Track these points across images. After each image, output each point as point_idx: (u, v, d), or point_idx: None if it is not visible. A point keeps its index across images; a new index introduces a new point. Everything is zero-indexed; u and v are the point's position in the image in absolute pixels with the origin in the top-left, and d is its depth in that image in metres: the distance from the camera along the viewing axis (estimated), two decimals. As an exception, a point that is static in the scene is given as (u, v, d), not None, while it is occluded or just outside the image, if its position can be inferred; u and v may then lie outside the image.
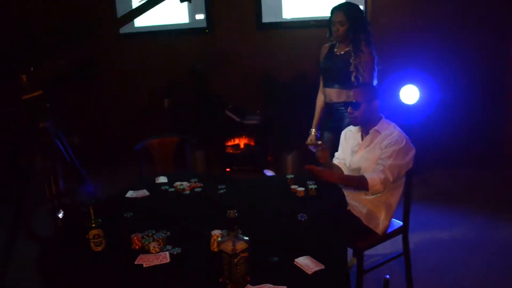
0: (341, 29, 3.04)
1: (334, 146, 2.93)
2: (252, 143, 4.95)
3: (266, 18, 4.78)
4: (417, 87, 4.32)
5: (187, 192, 2.47)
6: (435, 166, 4.50)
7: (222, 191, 2.46)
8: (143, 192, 2.50)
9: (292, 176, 2.51)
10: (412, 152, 2.51)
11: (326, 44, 3.25)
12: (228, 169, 4.93)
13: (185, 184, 2.55)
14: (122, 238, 1.90)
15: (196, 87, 4.87)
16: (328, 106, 3.20)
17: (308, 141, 3.17)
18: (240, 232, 1.81)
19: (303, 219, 2.01)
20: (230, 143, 4.97)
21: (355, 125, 2.63)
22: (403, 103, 4.34)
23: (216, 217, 2.08)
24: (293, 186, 2.39)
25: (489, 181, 4.37)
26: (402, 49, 4.42)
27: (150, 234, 1.90)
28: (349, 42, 3.06)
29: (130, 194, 2.48)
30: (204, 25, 4.92)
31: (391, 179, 2.42)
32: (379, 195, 2.52)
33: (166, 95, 4.99)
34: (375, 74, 3.02)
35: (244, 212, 2.13)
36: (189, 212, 2.26)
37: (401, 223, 2.68)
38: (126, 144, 3.62)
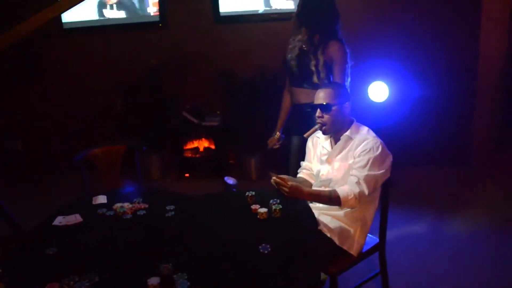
0: None
1: (302, 152, 2.55)
2: (213, 146, 4.55)
3: (225, 9, 4.34)
4: (387, 83, 4.01)
5: (128, 216, 2.05)
6: (404, 166, 4.22)
7: (170, 213, 2.05)
8: (75, 218, 2.06)
9: (253, 193, 2.13)
10: (389, 159, 2.19)
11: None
12: (187, 175, 4.53)
13: (127, 205, 2.14)
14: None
15: (150, 86, 4.39)
16: (296, 108, 2.83)
17: (268, 142, 2.89)
18: (185, 276, 1.43)
19: (265, 251, 1.63)
20: (188, 147, 4.56)
21: (324, 132, 2.26)
22: (371, 102, 4.02)
23: (159, 253, 1.67)
24: (253, 206, 2.01)
25: (460, 180, 4.16)
26: (368, 40, 4.09)
27: (71, 283, 1.47)
28: (319, 38, 2.68)
29: (58, 221, 2.03)
30: (157, 19, 4.43)
31: (367, 192, 2.09)
32: (353, 209, 2.18)
33: (118, 95, 4.49)
34: (348, 72, 2.67)
35: (193, 244, 1.75)
36: (127, 244, 1.83)
37: (376, 239, 2.36)
38: (72, 150, 3.14)
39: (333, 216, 2.23)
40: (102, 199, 2.26)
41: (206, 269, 1.56)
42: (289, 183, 2.05)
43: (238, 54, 4.38)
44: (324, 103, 2.19)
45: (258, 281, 1.51)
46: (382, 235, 2.35)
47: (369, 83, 4.02)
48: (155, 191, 2.41)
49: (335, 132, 2.28)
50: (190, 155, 4.52)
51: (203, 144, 4.57)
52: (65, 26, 4.46)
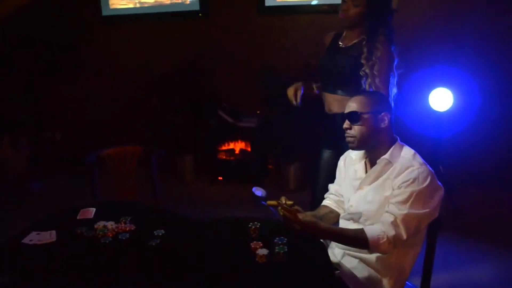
0: (352, 10, 2.19)
1: (333, 170, 2.07)
2: (249, 149, 4.21)
3: (270, 0, 3.92)
4: (451, 90, 3.39)
5: (108, 239, 1.71)
6: (464, 188, 3.58)
7: (155, 241, 1.68)
8: (49, 236, 1.76)
9: (258, 224, 1.70)
10: (439, 195, 1.66)
11: (331, 33, 2.40)
12: (220, 178, 4.21)
13: (110, 225, 1.80)
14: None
15: (187, 80, 4.11)
16: (328, 118, 2.35)
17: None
18: None
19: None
20: (223, 148, 4.24)
21: (353, 147, 1.78)
22: (432, 110, 3.42)
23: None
24: (254, 244, 1.59)
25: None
26: (430, 41, 3.55)
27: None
28: (362, 33, 2.20)
29: (30, 238, 1.74)
30: (197, 7, 4.09)
31: (405, 237, 1.59)
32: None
33: (154, 89, 4.24)
34: (393, 81, 2.19)
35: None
36: (92, 276, 1.49)
37: (417, 290, 1.85)
38: (102, 145, 2.88)
39: (361, 260, 1.75)
40: (89, 213, 1.95)
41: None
42: (301, 217, 1.60)
43: (282, 49, 3.97)
44: (353, 111, 1.72)
45: None
46: (425, 285, 1.84)
47: (430, 90, 3.44)
48: (150, 211, 2.05)
49: (369, 151, 1.80)
50: (224, 157, 4.20)
51: (239, 146, 4.23)
52: (104, 14, 4.27)
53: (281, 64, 3.93)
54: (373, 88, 2.14)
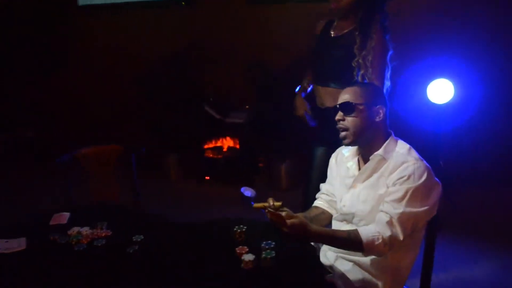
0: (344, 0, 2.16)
1: (326, 168, 2.07)
2: (237, 146, 4.22)
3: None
4: (452, 81, 3.41)
5: (82, 246, 1.70)
6: (463, 185, 3.60)
7: (133, 248, 1.67)
8: (18, 244, 1.74)
9: (244, 228, 1.69)
10: (437, 191, 1.68)
11: (322, 21, 2.40)
12: (207, 177, 4.22)
13: (85, 231, 1.79)
14: None
15: (171, 74, 4.09)
16: (320, 112, 2.34)
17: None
18: None
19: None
20: (210, 145, 4.25)
21: (346, 142, 1.78)
22: (431, 103, 3.45)
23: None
24: (239, 248, 1.58)
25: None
26: (429, 29, 3.55)
27: None
28: (354, 21, 2.19)
29: (-3, 245, 1.71)
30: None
31: (401, 237, 1.60)
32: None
33: (136, 84, 4.22)
34: (387, 73, 2.19)
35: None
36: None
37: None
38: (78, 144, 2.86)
39: (355, 263, 1.75)
40: (63, 218, 1.93)
41: None
42: (290, 219, 1.59)
43: (271, 40, 3.95)
44: (346, 102, 1.73)
45: None
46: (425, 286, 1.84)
47: (429, 81, 3.46)
48: (129, 214, 2.04)
49: (362, 147, 1.80)
50: (211, 155, 4.21)
51: (227, 143, 4.25)
52: (80, 3, 4.23)
53: (271, 55, 3.94)
54: (367, 79, 2.15)
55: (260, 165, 4.28)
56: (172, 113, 4.13)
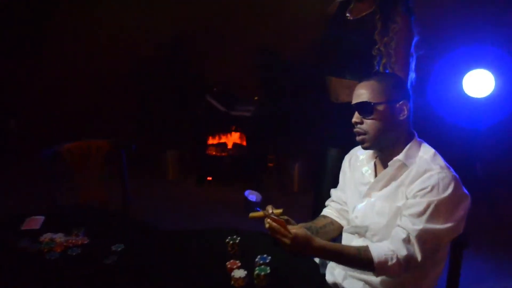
0: None
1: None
2: (245, 143, 4.23)
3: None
4: (492, 72, 3.37)
5: (55, 255, 1.67)
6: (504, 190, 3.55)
7: (111, 258, 1.63)
8: (-17, 250, 1.70)
9: (237, 239, 1.64)
10: (465, 205, 1.59)
11: (336, 1, 2.35)
12: (209, 178, 4.22)
13: (59, 238, 1.77)
14: None
15: (169, 62, 4.12)
16: (334, 108, 2.28)
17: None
18: None
19: None
20: (213, 142, 4.26)
21: (365, 147, 1.70)
22: (467, 97, 3.40)
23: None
24: (230, 263, 1.53)
25: None
26: (465, 14, 3.49)
27: None
28: (374, 2, 2.15)
29: (-41, 252, 1.69)
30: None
31: (420, 257, 1.53)
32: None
33: (130, 73, 4.23)
34: (412, 64, 2.13)
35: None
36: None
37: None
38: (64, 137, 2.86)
39: (367, 283, 1.68)
40: (36, 222, 1.90)
41: None
42: (293, 230, 1.52)
43: (280, 24, 3.93)
44: (363, 102, 1.64)
45: None
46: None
47: (465, 72, 3.42)
48: (113, 217, 2.01)
49: (381, 150, 1.71)
50: (214, 152, 4.22)
51: (232, 139, 4.25)
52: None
53: (281, 40, 3.92)
54: (389, 70, 2.08)
55: (270, 164, 4.27)
56: (170, 105, 4.14)
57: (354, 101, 1.69)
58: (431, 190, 1.53)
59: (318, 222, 1.87)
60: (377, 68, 2.10)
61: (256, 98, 4.08)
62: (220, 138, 4.24)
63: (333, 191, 1.95)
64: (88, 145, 2.71)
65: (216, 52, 4.13)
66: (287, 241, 1.52)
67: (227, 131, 4.20)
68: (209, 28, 4.04)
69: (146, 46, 4.14)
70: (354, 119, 1.67)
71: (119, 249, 1.68)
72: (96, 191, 2.71)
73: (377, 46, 2.10)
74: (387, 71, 2.10)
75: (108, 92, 4.35)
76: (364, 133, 1.66)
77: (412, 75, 2.13)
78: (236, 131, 4.20)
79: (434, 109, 3.44)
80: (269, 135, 4.10)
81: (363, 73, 2.07)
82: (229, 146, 4.24)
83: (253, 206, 2.45)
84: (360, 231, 1.72)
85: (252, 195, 2.43)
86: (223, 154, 4.18)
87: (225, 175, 4.15)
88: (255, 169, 4.10)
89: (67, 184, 2.61)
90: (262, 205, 2.32)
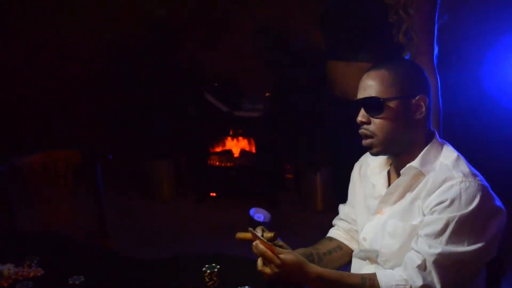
0: None
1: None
2: (254, 150, 4.33)
3: None
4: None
5: (2, 289, 1.77)
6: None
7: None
8: None
9: (215, 268, 1.71)
10: (498, 222, 1.61)
11: None
12: (213, 194, 4.33)
13: (7, 270, 1.88)
14: None
15: (158, 51, 4.24)
16: (343, 105, 2.33)
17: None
18: None
19: None
20: (217, 149, 4.36)
21: (373, 152, 1.75)
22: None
23: None
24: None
25: None
26: None
27: None
28: None
29: None
30: None
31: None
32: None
33: (108, 66, 4.39)
34: (434, 35, 2.16)
35: None
36: None
37: None
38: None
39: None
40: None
41: None
42: (281, 255, 1.59)
43: (298, 8, 4.00)
44: (370, 97, 1.69)
45: None
46: None
47: None
48: (75, 244, 2.11)
49: (393, 155, 1.76)
50: (218, 163, 4.31)
51: (239, 145, 4.35)
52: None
53: (301, 29, 4.01)
54: (411, 39, 2.11)
55: (287, 176, 4.36)
56: (158, 105, 4.25)
57: (359, 96, 1.72)
58: (451, 204, 1.56)
59: (321, 247, 1.91)
60: (395, 40, 2.11)
61: (267, 94, 4.16)
62: (224, 145, 4.34)
63: (341, 207, 2.00)
64: (54, 157, 2.85)
65: (217, 38, 4.24)
66: (274, 268, 1.60)
67: (232, 135, 4.30)
68: (203, 10, 4.16)
69: (126, 36, 4.26)
70: (359, 118, 1.71)
71: (78, 282, 1.75)
72: (64, 214, 2.84)
73: (394, 10, 2.10)
74: (408, 38, 2.12)
75: (78, 90, 4.48)
76: (372, 136, 1.70)
77: (434, 50, 2.16)
78: (243, 136, 4.30)
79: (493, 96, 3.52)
80: (285, 140, 4.19)
81: (380, 52, 2.14)
82: (236, 154, 4.33)
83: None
84: (371, 256, 1.77)
85: (259, 214, 2.46)
86: (229, 164, 4.27)
87: (232, 190, 4.26)
88: (268, 182, 4.19)
89: (28, 206, 2.75)
90: (271, 226, 2.42)
